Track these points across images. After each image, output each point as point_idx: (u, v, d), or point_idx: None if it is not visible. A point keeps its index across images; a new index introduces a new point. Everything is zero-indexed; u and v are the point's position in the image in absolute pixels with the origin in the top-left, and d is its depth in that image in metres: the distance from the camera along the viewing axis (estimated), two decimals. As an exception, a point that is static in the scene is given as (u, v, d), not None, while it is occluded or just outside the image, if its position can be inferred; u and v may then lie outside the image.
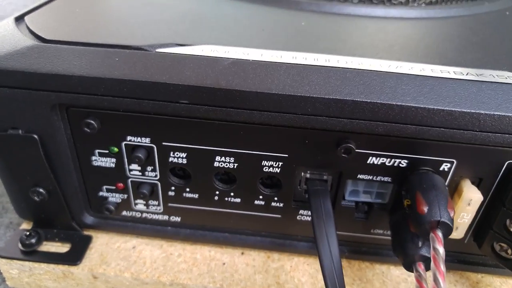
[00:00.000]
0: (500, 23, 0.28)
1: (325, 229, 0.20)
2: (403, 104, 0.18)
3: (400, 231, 0.21)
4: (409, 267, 0.20)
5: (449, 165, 0.21)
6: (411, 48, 0.23)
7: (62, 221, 0.25)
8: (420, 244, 0.20)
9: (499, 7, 0.29)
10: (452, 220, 0.19)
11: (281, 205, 0.23)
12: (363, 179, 0.22)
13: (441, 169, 0.21)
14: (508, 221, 0.21)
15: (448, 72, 0.20)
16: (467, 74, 0.20)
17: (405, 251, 0.20)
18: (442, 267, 0.17)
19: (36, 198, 0.23)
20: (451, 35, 0.25)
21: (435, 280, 0.17)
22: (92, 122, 0.20)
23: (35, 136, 0.21)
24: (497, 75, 0.20)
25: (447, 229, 0.18)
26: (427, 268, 0.20)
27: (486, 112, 0.18)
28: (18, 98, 0.19)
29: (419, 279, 0.19)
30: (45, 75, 0.19)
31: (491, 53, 0.23)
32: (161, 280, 0.23)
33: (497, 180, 0.21)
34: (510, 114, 0.18)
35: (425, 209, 0.19)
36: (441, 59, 0.22)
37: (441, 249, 0.18)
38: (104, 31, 0.22)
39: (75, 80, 0.19)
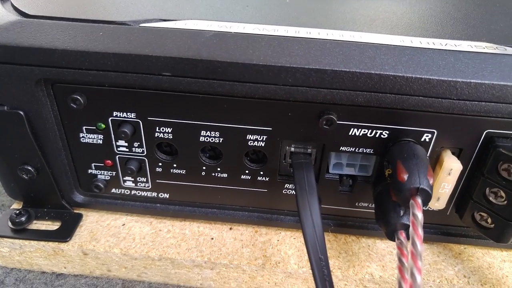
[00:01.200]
0: None
1: (308, 200, 0.20)
2: (381, 72, 0.19)
3: (383, 201, 0.22)
4: (392, 236, 0.21)
5: (429, 135, 0.21)
6: (392, 22, 0.23)
7: (52, 200, 0.25)
8: (401, 213, 0.21)
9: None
10: (431, 187, 0.19)
11: (267, 179, 0.24)
12: (346, 151, 0.22)
13: (422, 139, 0.21)
14: (487, 190, 0.22)
15: (427, 43, 0.21)
16: (445, 45, 0.20)
17: (388, 221, 0.21)
18: (420, 231, 0.18)
19: (25, 176, 0.23)
20: (433, 11, 0.25)
21: (413, 243, 0.18)
22: (78, 97, 0.21)
23: (21, 112, 0.21)
24: (475, 45, 0.21)
25: (426, 195, 0.19)
26: (408, 236, 0.20)
27: (463, 80, 0.19)
28: (2, 73, 0.20)
29: (400, 246, 0.20)
30: (28, 49, 0.19)
31: (472, 26, 0.23)
32: (150, 255, 0.24)
33: (476, 150, 0.21)
34: (486, 82, 0.19)
35: (405, 176, 0.19)
36: (422, 32, 0.22)
37: (419, 215, 0.18)
38: (88, 8, 0.22)
39: (58, 54, 0.19)
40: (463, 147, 0.21)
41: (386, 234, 0.21)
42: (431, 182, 0.19)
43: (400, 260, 0.19)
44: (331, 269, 0.23)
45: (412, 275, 0.17)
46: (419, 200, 0.19)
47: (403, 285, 0.17)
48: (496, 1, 0.28)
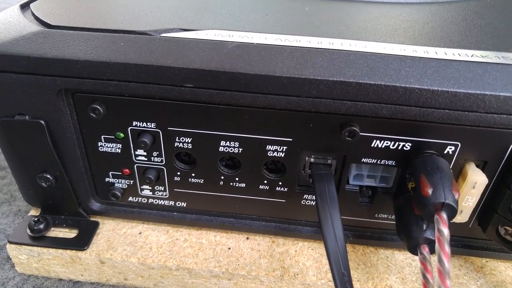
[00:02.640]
0: (506, 6, 0.27)
1: (330, 212, 0.20)
2: (407, 85, 0.18)
3: (405, 214, 0.21)
4: (414, 250, 0.20)
5: (453, 148, 0.21)
6: (415, 32, 0.23)
7: (69, 207, 0.25)
8: (424, 227, 0.20)
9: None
10: (456, 202, 0.19)
11: (286, 189, 0.23)
12: (367, 163, 0.22)
13: (445, 152, 0.21)
14: (513, 204, 0.21)
15: (453, 54, 0.20)
16: (472, 56, 0.20)
17: (410, 234, 0.20)
18: (447, 248, 0.17)
19: (43, 184, 0.23)
20: (455, 19, 0.25)
21: (440, 261, 0.17)
22: (98, 107, 0.20)
23: (42, 122, 0.21)
24: (502, 57, 0.20)
25: (452, 211, 0.18)
26: (432, 250, 0.20)
27: (492, 93, 0.18)
28: (24, 83, 0.20)
29: (424, 261, 0.19)
30: (51, 60, 0.19)
31: (497, 35, 0.23)
32: (167, 264, 0.24)
33: (502, 163, 0.21)
34: (516, 95, 0.18)
35: (430, 191, 0.19)
36: (446, 42, 0.22)
37: (445, 231, 0.18)
38: (109, 17, 0.22)
39: (80, 64, 0.19)
40: (488, 160, 0.21)
41: (408, 248, 0.21)
42: (456, 197, 0.19)
43: (424, 276, 0.19)
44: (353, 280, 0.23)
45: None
46: (444, 215, 0.18)
47: None
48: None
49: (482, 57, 0.20)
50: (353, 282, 0.23)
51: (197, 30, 0.20)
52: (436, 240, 0.18)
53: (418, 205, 0.19)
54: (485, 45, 0.21)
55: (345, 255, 0.19)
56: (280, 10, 0.25)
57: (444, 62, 0.20)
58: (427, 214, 0.19)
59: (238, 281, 0.24)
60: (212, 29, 0.21)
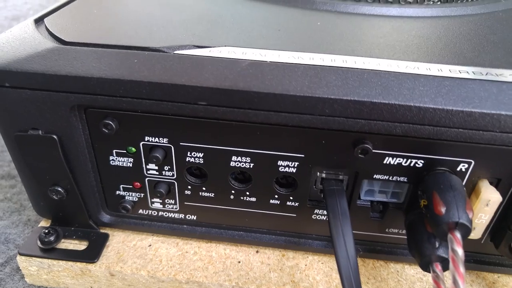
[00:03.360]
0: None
1: (342, 228, 0.20)
2: (421, 105, 0.18)
3: (417, 231, 0.21)
4: (426, 267, 0.20)
5: (466, 165, 0.21)
6: (427, 48, 0.23)
7: (80, 219, 0.25)
8: (437, 244, 0.20)
9: (517, 4, 0.29)
10: (470, 221, 0.18)
11: (297, 204, 0.23)
12: (379, 179, 0.22)
13: (458, 169, 0.21)
14: (527, 222, 0.21)
15: (467, 72, 0.20)
16: (486, 74, 0.20)
17: (422, 251, 0.20)
18: (462, 269, 0.17)
19: (54, 197, 0.23)
20: (468, 34, 0.25)
21: (455, 282, 0.17)
22: (110, 122, 0.20)
23: (55, 137, 0.21)
24: (516, 75, 0.20)
25: (466, 230, 0.18)
26: (444, 268, 0.20)
27: (507, 113, 0.18)
28: (38, 99, 0.20)
29: (437, 280, 0.19)
30: (65, 77, 0.19)
31: (510, 52, 0.23)
32: (177, 278, 0.24)
33: (516, 180, 0.21)
34: (530, 115, 0.18)
35: (443, 210, 0.19)
36: (459, 59, 0.21)
37: (460, 251, 0.18)
38: (122, 32, 0.22)
39: (94, 81, 0.19)
40: (502, 177, 0.21)
41: (420, 265, 0.21)
42: (470, 216, 0.19)
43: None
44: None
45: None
46: (458, 235, 0.18)
47: None
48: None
49: (497, 75, 0.20)
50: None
51: (211, 47, 0.20)
52: (451, 261, 0.18)
53: (431, 223, 0.19)
54: (499, 63, 0.21)
55: (356, 271, 0.19)
56: (292, 25, 0.25)
57: (458, 80, 0.19)
58: (440, 233, 0.19)
59: (248, 294, 0.24)
60: (225, 46, 0.21)
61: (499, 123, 0.18)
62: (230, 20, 0.24)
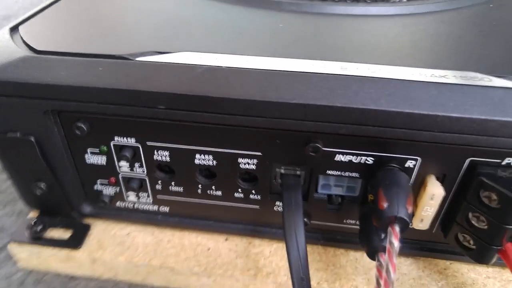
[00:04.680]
0: (481, 18, 0.28)
1: (294, 222, 0.22)
2: (364, 107, 0.20)
3: (366, 223, 0.23)
4: (373, 256, 0.22)
5: (414, 162, 0.22)
6: (380, 50, 0.24)
7: (64, 210, 0.27)
8: (382, 236, 0.22)
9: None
10: (409, 215, 0.20)
11: (259, 197, 0.25)
12: (333, 175, 0.23)
13: (406, 166, 0.22)
14: (470, 214, 0.22)
15: (412, 74, 0.21)
16: (431, 76, 0.21)
17: (369, 242, 0.22)
18: (394, 259, 0.19)
19: (38, 192, 0.25)
20: (423, 34, 0.26)
21: (387, 271, 0.19)
22: (82, 125, 0.22)
23: (32, 139, 0.23)
24: (460, 76, 0.21)
25: (404, 223, 0.20)
26: (389, 257, 0.21)
27: (444, 114, 0.19)
28: (14, 105, 0.21)
29: (380, 268, 0.21)
30: (37, 85, 0.20)
31: (461, 52, 0.24)
32: (152, 263, 0.26)
33: (460, 176, 0.22)
34: (466, 116, 0.19)
35: (385, 205, 0.20)
36: (409, 61, 0.23)
37: (395, 243, 0.19)
38: (90, 40, 0.23)
39: (64, 89, 0.21)
40: (446, 173, 0.22)
41: (367, 254, 0.22)
42: (410, 211, 0.20)
43: (377, 282, 0.20)
44: (319, 280, 0.25)
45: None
46: (396, 228, 0.20)
47: None
48: (491, 24, 0.28)
49: (440, 77, 0.21)
50: (322, 282, 0.25)
51: (171, 52, 0.22)
52: (386, 251, 0.19)
53: (375, 217, 0.21)
54: (446, 64, 0.22)
55: (305, 261, 0.21)
56: (255, 28, 0.26)
57: (403, 83, 0.21)
58: (382, 226, 0.20)
59: (216, 279, 0.26)
60: (185, 51, 0.22)
61: (437, 123, 0.19)
62: (194, 24, 0.26)
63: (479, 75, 0.21)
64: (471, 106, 0.20)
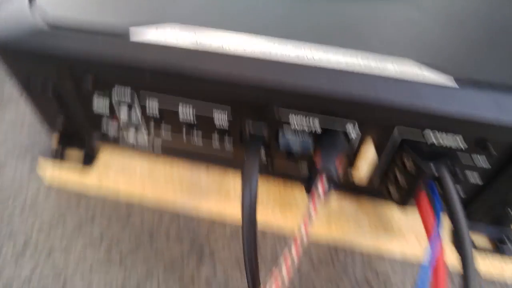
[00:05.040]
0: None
1: (251, 170, 0.27)
2: (309, 87, 0.24)
3: (310, 170, 0.29)
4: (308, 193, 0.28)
5: (352, 125, 0.27)
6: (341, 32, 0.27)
7: (79, 139, 0.34)
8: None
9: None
10: (336, 171, 0.25)
11: (231, 143, 0.31)
12: (290, 134, 0.28)
13: (346, 129, 0.27)
14: (395, 171, 0.28)
15: (352, 57, 0.25)
16: (370, 60, 0.25)
17: (308, 184, 0.28)
18: (316, 202, 0.25)
19: (58, 124, 0.32)
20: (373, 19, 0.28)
21: (309, 208, 0.25)
22: (89, 79, 0.28)
23: (50, 85, 0.28)
24: (396, 63, 0.25)
25: (332, 177, 0.25)
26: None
27: (374, 96, 0.24)
28: (34, 64, 0.27)
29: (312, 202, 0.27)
30: (51, 55, 0.26)
31: (404, 40, 0.27)
32: (145, 185, 0.33)
33: (389, 140, 0.27)
34: (390, 99, 0.23)
35: (319, 160, 0.26)
36: (353, 44, 0.26)
37: (321, 190, 0.25)
38: (96, 14, 0.27)
39: (71, 58, 0.26)
40: (379, 137, 0.27)
41: (306, 191, 0.28)
42: (338, 167, 0.26)
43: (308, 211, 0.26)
44: (273, 208, 0.32)
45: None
46: (324, 178, 0.25)
47: (302, 228, 0.25)
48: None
49: (379, 63, 0.25)
50: (275, 209, 0.32)
51: (158, 26, 0.26)
52: (311, 194, 0.25)
53: (312, 168, 0.26)
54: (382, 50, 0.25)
55: (255, 204, 0.27)
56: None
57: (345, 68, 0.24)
58: (315, 175, 0.26)
59: (195, 200, 0.33)
60: (171, 22, 0.26)
61: (367, 100, 0.24)
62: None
63: (413, 64, 0.24)
64: (396, 91, 0.24)
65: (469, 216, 0.31)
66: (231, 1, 0.29)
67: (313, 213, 0.25)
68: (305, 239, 0.25)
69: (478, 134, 0.24)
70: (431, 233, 0.26)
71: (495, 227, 0.31)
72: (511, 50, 0.25)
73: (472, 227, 0.31)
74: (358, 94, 0.24)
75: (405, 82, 0.23)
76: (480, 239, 0.31)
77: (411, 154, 0.26)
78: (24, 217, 0.35)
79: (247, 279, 0.26)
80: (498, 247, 0.30)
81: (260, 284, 0.25)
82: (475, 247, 0.30)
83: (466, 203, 0.30)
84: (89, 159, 0.34)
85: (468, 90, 0.23)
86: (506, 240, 0.30)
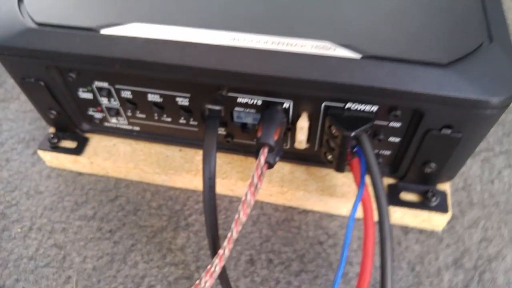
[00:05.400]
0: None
1: (209, 145, 0.33)
2: (245, 71, 0.30)
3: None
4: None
5: (288, 104, 0.32)
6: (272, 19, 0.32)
7: (71, 128, 0.40)
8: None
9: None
10: (274, 141, 0.31)
11: (196, 123, 0.37)
12: (240, 110, 0.34)
13: (284, 106, 0.33)
14: (329, 140, 0.33)
15: (273, 42, 0.30)
16: (294, 46, 0.30)
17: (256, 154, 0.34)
18: (259, 171, 0.30)
19: (51, 116, 0.38)
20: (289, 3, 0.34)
21: (252, 177, 0.30)
22: (72, 75, 0.34)
23: (41, 83, 0.35)
24: (315, 46, 0.30)
25: (270, 148, 0.31)
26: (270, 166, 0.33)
27: (298, 77, 0.29)
28: (24, 62, 0.33)
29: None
30: (38, 51, 0.32)
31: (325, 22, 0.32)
32: (128, 166, 0.39)
33: (320, 114, 0.32)
34: (312, 78, 0.29)
35: (259, 133, 0.31)
36: (281, 30, 0.31)
37: (262, 160, 0.31)
38: (74, 13, 0.33)
39: (56, 53, 0.32)
40: (312, 112, 0.33)
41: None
42: (275, 138, 0.31)
43: (253, 178, 0.32)
44: (236, 179, 0.37)
45: (254, 191, 0.30)
46: (265, 150, 0.31)
47: (248, 194, 0.31)
48: None
49: (302, 46, 0.30)
50: (238, 180, 0.37)
51: (124, 24, 0.32)
52: (255, 166, 0.31)
53: (256, 142, 0.32)
54: (306, 33, 0.31)
55: (214, 175, 0.32)
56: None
57: (274, 52, 0.30)
58: (257, 148, 0.32)
59: (170, 176, 0.39)
60: (136, 22, 0.32)
61: (294, 81, 0.29)
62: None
63: (329, 45, 0.30)
64: (316, 70, 0.29)
65: (402, 178, 0.36)
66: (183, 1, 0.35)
67: (256, 180, 0.31)
68: (251, 202, 0.30)
69: (384, 101, 0.29)
70: (358, 183, 0.31)
71: (423, 186, 0.36)
72: (408, 30, 0.30)
73: (405, 187, 0.37)
74: (285, 71, 0.29)
75: (321, 59, 0.29)
76: (411, 196, 0.36)
77: (335, 124, 0.31)
78: (28, 202, 0.41)
79: (208, 241, 0.31)
80: (425, 202, 0.35)
81: (220, 246, 0.31)
82: (402, 202, 0.36)
83: (395, 166, 0.36)
84: (80, 147, 0.40)
85: (371, 63, 0.28)
86: (431, 196, 0.35)
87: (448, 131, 0.29)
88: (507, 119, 0.45)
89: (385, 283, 0.26)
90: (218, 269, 0.28)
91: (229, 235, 0.28)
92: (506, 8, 0.31)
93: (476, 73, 0.26)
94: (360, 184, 0.31)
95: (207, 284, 0.28)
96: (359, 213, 0.30)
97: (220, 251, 0.28)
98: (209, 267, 0.28)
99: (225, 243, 0.28)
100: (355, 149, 0.32)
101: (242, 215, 0.29)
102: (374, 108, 0.30)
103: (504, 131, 0.44)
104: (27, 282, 0.36)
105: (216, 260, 0.28)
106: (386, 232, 0.27)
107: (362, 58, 0.28)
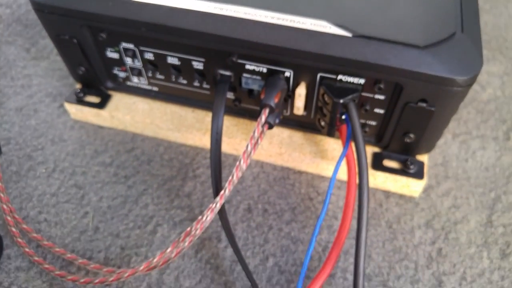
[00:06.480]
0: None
1: (218, 104, 0.38)
2: (255, 40, 0.34)
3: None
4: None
5: (289, 73, 0.37)
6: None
7: (96, 85, 0.45)
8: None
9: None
10: (274, 103, 0.36)
11: (208, 86, 0.42)
12: (247, 77, 0.39)
13: (286, 75, 0.37)
14: (322, 107, 0.38)
15: (278, 18, 0.35)
16: (296, 22, 0.35)
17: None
18: (260, 127, 0.35)
19: (80, 72, 0.43)
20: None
21: (254, 131, 0.35)
22: (103, 35, 0.39)
23: (75, 40, 0.40)
24: (314, 24, 0.35)
25: (271, 109, 0.36)
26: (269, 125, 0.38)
27: (297, 48, 0.34)
28: (61, 20, 0.38)
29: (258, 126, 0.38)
30: (74, 11, 0.36)
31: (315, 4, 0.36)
32: (146, 121, 0.44)
33: (316, 84, 0.37)
34: (310, 50, 0.33)
35: (262, 96, 0.36)
36: (280, 6, 0.36)
37: (263, 118, 0.36)
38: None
39: (88, 14, 0.36)
40: (309, 82, 0.37)
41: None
42: (276, 101, 0.36)
43: (253, 135, 0.37)
44: (241, 139, 0.42)
45: (254, 143, 0.35)
46: (266, 111, 0.36)
47: (248, 146, 0.36)
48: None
49: (302, 23, 0.35)
50: (242, 140, 0.42)
51: (151, -5, 0.36)
52: (257, 122, 0.36)
53: (260, 103, 0.37)
54: (307, 12, 0.35)
55: (221, 130, 0.37)
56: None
57: (278, 26, 0.35)
58: (260, 108, 0.36)
59: (183, 133, 0.44)
60: (160, -7, 0.37)
61: (295, 52, 0.34)
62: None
63: (326, 24, 0.34)
64: (313, 43, 0.34)
65: (385, 147, 0.41)
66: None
67: (257, 135, 0.35)
68: (252, 153, 0.35)
69: (370, 74, 0.34)
70: (344, 144, 0.36)
71: (404, 155, 0.41)
72: (393, 16, 0.34)
73: (388, 156, 0.41)
74: (286, 43, 0.34)
75: (318, 34, 0.33)
76: (393, 163, 0.41)
77: (327, 93, 0.36)
78: (53, 148, 0.46)
79: (212, 185, 0.37)
80: (405, 169, 0.40)
81: (222, 188, 0.36)
82: (385, 167, 0.41)
83: (380, 136, 0.41)
84: (103, 102, 0.45)
85: (360, 41, 0.33)
86: (410, 164, 0.40)
87: (424, 104, 0.34)
88: (486, 108, 0.49)
89: (361, 222, 0.31)
90: (218, 206, 0.33)
91: (229, 178, 0.33)
92: (480, 6, 0.36)
93: (447, 56, 0.31)
94: (345, 144, 0.36)
95: (208, 218, 0.33)
96: (346, 177, 0.35)
97: (222, 192, 0.33)
98: (211, 204, 0.33)
99: (226, 185, 0.33)
100: (343, 117, 0.37)
101: (242, 163, 0.34)
102: (362, 80, 0.35)
103: (482, 118, 0.48)
104: (48, 214, 0.41)
105: (218, 198, 0.33)
106: (364, 182, 0.32)
107: (353, 36, 0.33)
